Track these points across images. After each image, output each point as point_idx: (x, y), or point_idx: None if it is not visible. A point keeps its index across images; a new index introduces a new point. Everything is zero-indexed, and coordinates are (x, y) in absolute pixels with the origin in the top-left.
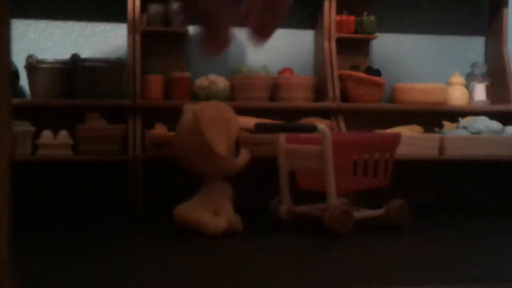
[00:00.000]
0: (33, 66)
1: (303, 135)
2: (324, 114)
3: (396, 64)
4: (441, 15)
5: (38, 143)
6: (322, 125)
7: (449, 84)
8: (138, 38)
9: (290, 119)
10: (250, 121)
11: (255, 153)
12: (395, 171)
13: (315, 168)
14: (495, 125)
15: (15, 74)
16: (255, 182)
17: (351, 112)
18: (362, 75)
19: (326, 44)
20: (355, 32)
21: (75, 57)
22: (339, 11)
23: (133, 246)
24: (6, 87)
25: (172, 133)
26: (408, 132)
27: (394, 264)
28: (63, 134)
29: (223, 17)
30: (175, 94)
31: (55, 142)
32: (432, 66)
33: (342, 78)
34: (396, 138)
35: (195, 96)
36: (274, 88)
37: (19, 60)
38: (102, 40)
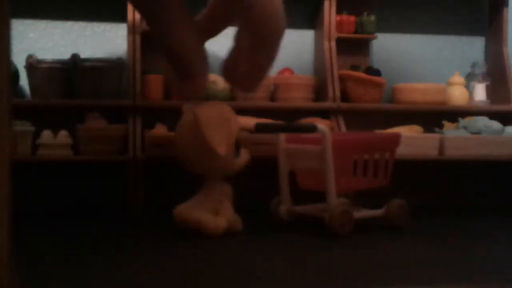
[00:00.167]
0: (33, 66)
1: (303, 135)
2: (324, 114)
3: (396, 64)
4: (441, 15)
5: (38, 143)
6: (322, 125)
7: (449, 84)
8: (138, 38)
9: (290, 119)
10: (250, 121)
11: (255, 153)
12: (395, 171)
13: (315, 168)
14: (495, 125)
15: (15, 74)
16: (255, 182)
17: (351, 112)
18: (362, 75)
19: (326, 44)
20: (355, 32)
21: (75, 57)
22: (339, 11)
23: (133, 246)
24: (6, 87)
25: (172, 133)
26: (408, 132)
27: (394, 264)
28: (63, 134)
29: (199, 66)
30: None
31: (55, 142)
32: (432, 66)
33: (342, 78)
34: (396, 138)
35: None
36: (274, 88)
37: (19, 60)
38: (102, 40)
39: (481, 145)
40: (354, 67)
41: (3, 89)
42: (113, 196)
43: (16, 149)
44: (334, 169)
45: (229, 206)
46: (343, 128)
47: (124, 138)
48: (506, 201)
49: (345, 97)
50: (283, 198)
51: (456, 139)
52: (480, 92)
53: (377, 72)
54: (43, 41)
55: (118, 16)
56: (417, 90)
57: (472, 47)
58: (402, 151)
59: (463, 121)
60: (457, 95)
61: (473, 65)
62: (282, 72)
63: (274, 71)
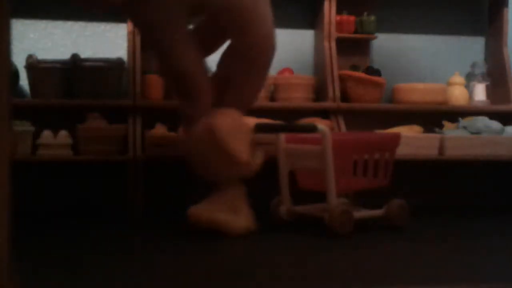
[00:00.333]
0: (33, 66)
1: (303, 135)
2: (324, 114)
3: (396, 64)
4: (441, 15)
5: (38, 143)
6: (322, 125)
7: (449, 84)
8: (138, 38)
9: (290, 119)
10: (250, 121)
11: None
12: (395, 171)
13: (315, 168)
14: (495, 125)
15: (15, 74)
16: (255, 182)
17: (351, 112)
18: (362, 75)
19: (326, 44)
20: (355, 32)
21: (75, 57)
22: (339, 11)
23: (133, 246)
24: (6, 87)
25: (172, 133)
26: (408, 132)
27: (394, 264)
28: (63, 134)
29: (205, 86)
30: None
31: (55, 142)
32: (432, 66)
33: (342, 78)
34: (396, 138)
35: None
36: (274, 88)
37: (19, 60)
38: (102, 40)
39: (481, 145)
40: (354, 67)
41: (3, 89)
42: (113, 196)
43: (16, 149)
44: (334, 169)
45: (246, 205)
46: (343, 128)
47: (124, 138)
48: (506, 201)
49: (345, 97)
50: (283, 198)
51: (456, 139)
52: (480, 92)
53: (377, 72)
54: (43, 41)
55: (118, 16)
56: (417, 90)
57: (472, 47)
58: (402, 151)
59: (463, 121)
60: (457, 95)
61: (473, 65)
62: (282, 72)
63: (274, 71)
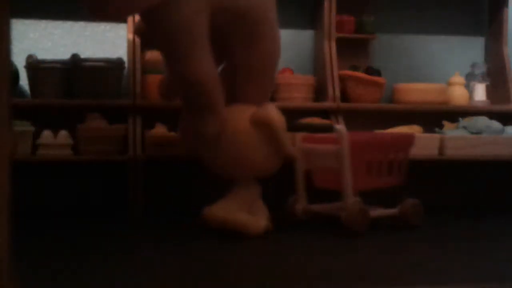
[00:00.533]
0: (33, 66)
1: (318, 135)
2: (324, 114)
3: (396, 64)
4: (441, 15)
5: (38, 143)
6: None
7: (449, 84)
8: (138, 38)
9: (290, 119)
10: None
11: None
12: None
13: (331, 167)
14: (495, 125)
15: (15, 74)
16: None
17: (351, 112)
18: (362, 75)
19: (326, 44)
20: (355, 32)
21: (75, 57)
22: (339, 11)
23: (133, 246)
24: (6, 87)
25: (172, 133)
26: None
27: (397, 264)
28: (63, 134)
29: (221, 97)
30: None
31: (55, 142)
32: (432, 66)
33: (342, 78)
34: (410, 138)
35: None
36: (274, 88)
37: (19, 60)
38: (102, 40)
39: (481, 145)
40: (354, 67)
41: (3, 89)
42: (113, 196)
43: (16, 149)
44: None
45: (263, 205)
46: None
47: (124, 138)
48: (506, 201)
49: (345, 97)
50: (299, 197)
51: (456, 139)
52: (480, 92)
53: (377, 72)
54: (43, 41)
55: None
56: (417, 90)
57: (472, 47)
58: None
59: (463, 121)
60: (457, 95)
61: (473, 65)
62: (282, 72)
63: None
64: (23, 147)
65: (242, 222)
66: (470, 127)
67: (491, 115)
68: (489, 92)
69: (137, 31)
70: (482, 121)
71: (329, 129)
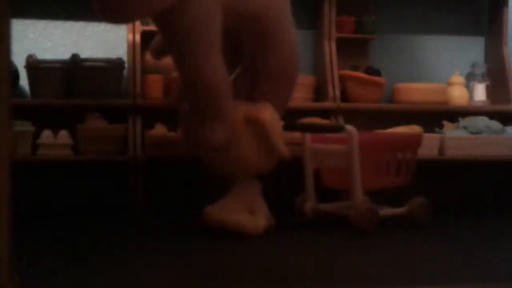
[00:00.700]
0: (33, 66)
1: (327, 135)
2: (324, 114)
3: (396, 64)
4: (441, 15)
5: (38, 143)
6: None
7: (449, 84)
8: (138, 38)
9: (290, 119)
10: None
11: None
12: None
13: (340, 167)
14: (495, 125)
15: (15, 74)
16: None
17: (351, 112)
18: (362, 75)
19: (326, 44)
20: (355, 32)
21: (75, 57)
22: (339, 12)
23: (133, 246)
24: (6, 87)
25: (172, 133)
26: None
27: (400, 264)
28: (63, 134)
29: (230, 103)
30: None
31: (55, 142)
32: (432, 66)
33: (342, 78)
34: (418, 138)
35: None
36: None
37: (19, 60)
38: (102, 40)
39: (481, 145)
40: (354, 67)
41: (3, 89)
42: (113, 196)
43: (16, 149)
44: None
45: (263, 204)
46: None
47: (124, 138)
48: (506, 201)
49: (345, 97)
50: (308, 196)
51: (456, 139)
52: (480, 92)
53: (377, 72)
54: (43, 41)
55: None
56: (417, 90)
57: (472, 47)
58: None
59: (463, 121)
60: (457, 95)
61: (473, 65)
62: None
63: None
64: (23, 147)
65: (241, 222)
66: (470, 127)
67: (491, 115)
68: (489, 92)
69: (154, 52)
70: (482, 121)
71: (340, 129)
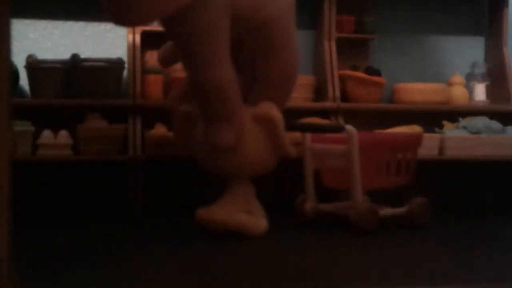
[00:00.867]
0: (33, 66)
1: (327, 135)
2: (324, 114)
3: (396, 64)
4: (441, 15)
5: (38, 143)
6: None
7: (449, 84)
8: (138, 38)
9: (290, 119)
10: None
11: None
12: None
13: (340, 167)
14: (495, 125)
15: (15, 74)
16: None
17: (351, 112)
18: (362, 75)
19: (326, 44)
20: (355, 32)
21: (75, 57)
22: (339, 12)
23: (133, 246)
24: (6, 87)
25: (172, 133)
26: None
27: (400, 264)
28: (63, 134)
29: (239, 103)
30: None
31: (55, 142)
32: (432, 66)
33: (342, 78)
34: (418, 138)
35: None
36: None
37: (19, 60)
38: (102, 40)
39: (481, 145)
40: (354, 67)
41: (3, 89)
42: (113, 196)
43: (16, 149)
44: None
45: (258, 204)
46: None
47: (124, 138)
48: (506, 201)
49: (345, 97)
50: (308, 196)
51: (456, 139)
52: (480, 92)
53: (377, 72)
54: (43, 41)
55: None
56: (417, 90)
57: (472, 47)
58: None
59: (463, 121)
60: (457, 95)
61: (473, 65)
62: None
63: None
64: (23, 147)
65: (243, 223)
66: (470, 127)
67: (491, 115)
68: (489, 92)
69: (162, 60)
70: (482, 121)
71: (340, 129)
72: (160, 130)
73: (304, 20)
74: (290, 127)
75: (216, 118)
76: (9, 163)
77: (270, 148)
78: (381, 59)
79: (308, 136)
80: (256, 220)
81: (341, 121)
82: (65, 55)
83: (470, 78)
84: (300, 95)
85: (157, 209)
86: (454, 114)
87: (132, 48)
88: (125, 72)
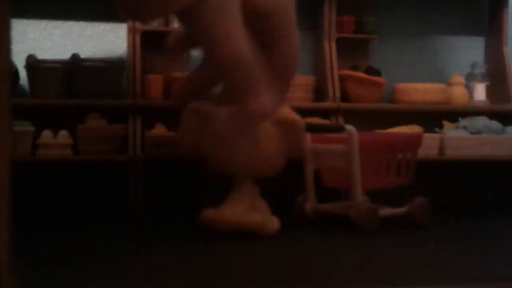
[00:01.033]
0: (33, 66)
1: (327, 135)
2: (324, 114)
3: (396, 64)
4: (441, 15)
5: (38, 143)
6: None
7: (449, 84)
8: (138, 38)
9: None
10: None
11: None
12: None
13: (341, 167)
14: (495, 125)
15: (15, 74)
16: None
17: (351, 112)
18: (362, 75)
19: (326, 44)
20: (355, 32)
21: (75, 57)
22: (339, 12)
23: (133, 246)
24: (6, 87)
25: (172, 133)
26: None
27: (399, 264)
28: (63, 134)
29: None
30: None
31: (55, 142)
32: (432, 66)
33: (342, 78)
34: (418, 138)
35: None
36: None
37: (19, 60)
38: (102, 40)
39: (481, 145)
40: (354, 67)
41: (3, 89)
42: (113, 196)
43: (16, 149)
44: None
45: (264, 203)
46: None
47: (124, 138)
48: (506, 201)
49: (345, 97)
50: (309, 196)
51: (456, 139)
52: (480, 92)
53: (377, 72)
54: (43, 41)
55: (118, 16)
56: (417, 90)
57: (472, 47)
58: None
59: (463, 121)
60: (457, 95)
61: (473, 65)
62: None
63: None
64: (23, 147)
65: (260, 222)
66: (470, 127)
67: (491, 115)
68: (489, 92)
69: (173, 45)
70: (482, 121)
71: (340, 129)
72: (160, 130)
73: (304, 20)
74: None
75: (246, 91)
76: (9, 163)
77: (283, 150)
78: (381, 59)
79: (308, 136)
80: (270, 219)
81: (341, 121)
82: (65, 55)
83: (470, 78)
84: (300, 95)
85: (157, 209)
86: (454, 114)
87: (132, 48)
88: (125, 72)
